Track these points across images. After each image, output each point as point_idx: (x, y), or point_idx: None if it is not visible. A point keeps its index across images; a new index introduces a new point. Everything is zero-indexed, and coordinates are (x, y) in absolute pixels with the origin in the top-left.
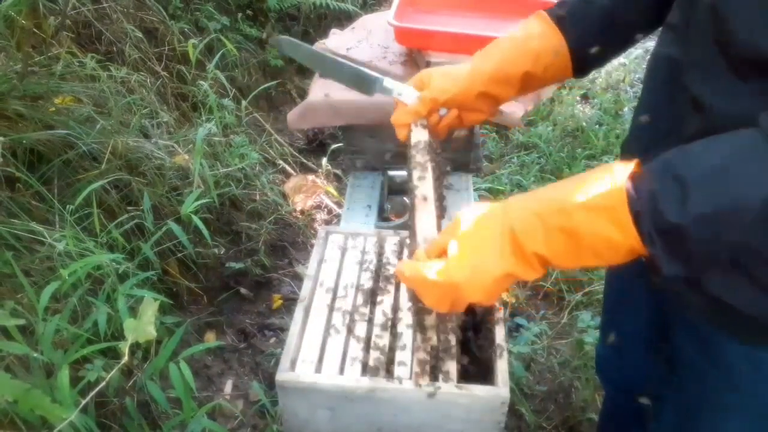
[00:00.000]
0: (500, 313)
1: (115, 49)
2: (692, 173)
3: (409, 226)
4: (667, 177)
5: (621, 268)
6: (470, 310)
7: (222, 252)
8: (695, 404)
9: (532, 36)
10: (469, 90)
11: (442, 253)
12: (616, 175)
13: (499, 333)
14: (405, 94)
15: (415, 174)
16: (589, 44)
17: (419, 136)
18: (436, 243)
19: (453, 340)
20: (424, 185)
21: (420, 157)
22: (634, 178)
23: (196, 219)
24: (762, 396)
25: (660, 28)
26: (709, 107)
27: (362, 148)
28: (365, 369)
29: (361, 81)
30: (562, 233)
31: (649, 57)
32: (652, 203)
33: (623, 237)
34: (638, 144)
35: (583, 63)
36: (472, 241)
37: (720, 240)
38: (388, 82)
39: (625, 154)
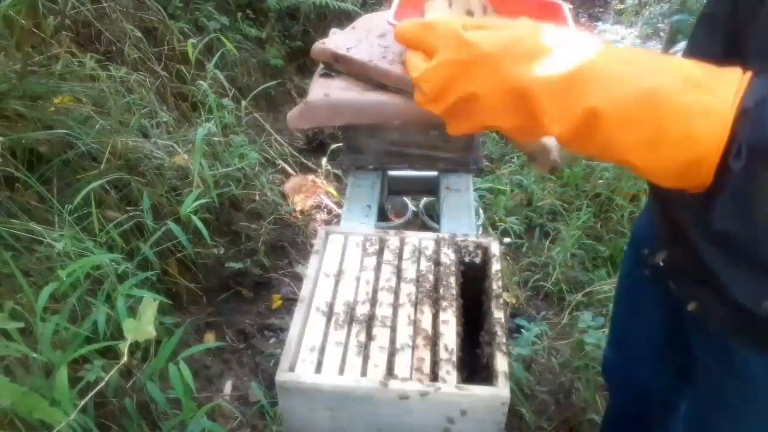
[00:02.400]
0: (500, 314)
1: (114, 48)
2: None
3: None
4: None
5: (633, 276)
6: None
7: (222, 252)
8: (713, 414)
9: None
10: None
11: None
12: (733, 71)
13: (500, 333)
14: None
15: None
16: None
17: None
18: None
19: (454, 339)
20: None
21: None
22: (751, 79)
23: (195, 219)
24: None
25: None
26: None
27: (362, 148)
28: (365, 369)
29: None
30: (644, 92)
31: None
32: (762, 109)
33: (709, 133)
34: None
35: None
36: (520, 29)
37: None
38: None
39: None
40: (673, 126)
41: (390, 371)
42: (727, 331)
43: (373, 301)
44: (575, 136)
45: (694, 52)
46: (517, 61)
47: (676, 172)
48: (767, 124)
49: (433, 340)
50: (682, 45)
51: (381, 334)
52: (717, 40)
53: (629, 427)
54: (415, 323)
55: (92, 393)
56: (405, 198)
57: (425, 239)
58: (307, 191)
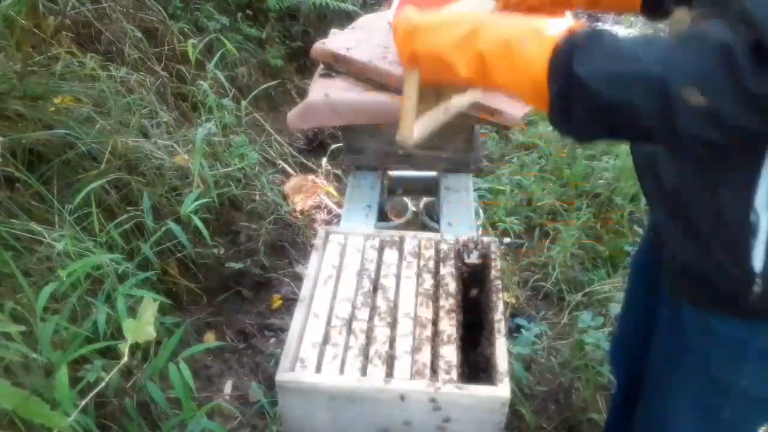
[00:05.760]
0: (500, 314)
1: (114, 48)
2: (612, 47)
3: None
4: (594, 41)
5: (635, 265)
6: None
7: (222, 252)
8: (662, 374)
9: None
10: None
11: None
12: (559, 24)
13: (500, 333)
14: None
15: None
16: None
17: None
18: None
19: (453, 339)
20: None
21: None
22: (571, 30)
23: (195, 219)
24: (712, 359)
25: None
26: None
27: (362, 148)
28: (365, 369)
29: None
30: (504, 41)
31: None
32: (571, 48)
33: (539, 61)
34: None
35: None
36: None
37: (605, 95)
38: None
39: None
40: (518, 60)
41: (390, 371)
42: (672, 288)
43: (373, 301)
44: (476, 76)
45: None
46: (435, 32)
47: (531, 90)
48: (568, 61)
49: (433, 340)
50: None
51: (381, 334)
52: None
53: (629, 406)
54: (415, 323)
55: (93, 393)
56: (405, 198)
57: (425, 239)
58: (307, 191)
